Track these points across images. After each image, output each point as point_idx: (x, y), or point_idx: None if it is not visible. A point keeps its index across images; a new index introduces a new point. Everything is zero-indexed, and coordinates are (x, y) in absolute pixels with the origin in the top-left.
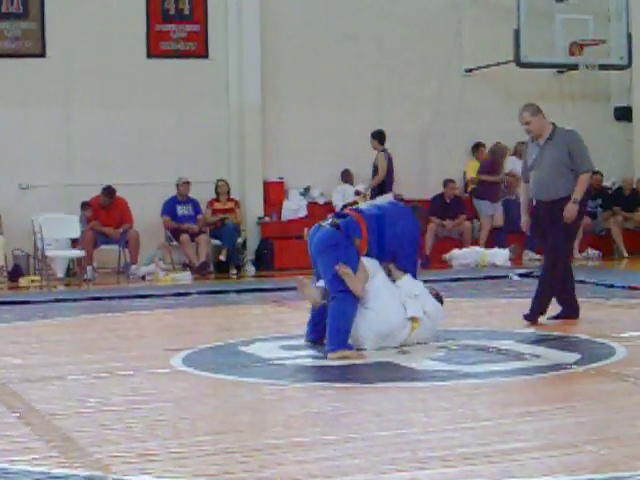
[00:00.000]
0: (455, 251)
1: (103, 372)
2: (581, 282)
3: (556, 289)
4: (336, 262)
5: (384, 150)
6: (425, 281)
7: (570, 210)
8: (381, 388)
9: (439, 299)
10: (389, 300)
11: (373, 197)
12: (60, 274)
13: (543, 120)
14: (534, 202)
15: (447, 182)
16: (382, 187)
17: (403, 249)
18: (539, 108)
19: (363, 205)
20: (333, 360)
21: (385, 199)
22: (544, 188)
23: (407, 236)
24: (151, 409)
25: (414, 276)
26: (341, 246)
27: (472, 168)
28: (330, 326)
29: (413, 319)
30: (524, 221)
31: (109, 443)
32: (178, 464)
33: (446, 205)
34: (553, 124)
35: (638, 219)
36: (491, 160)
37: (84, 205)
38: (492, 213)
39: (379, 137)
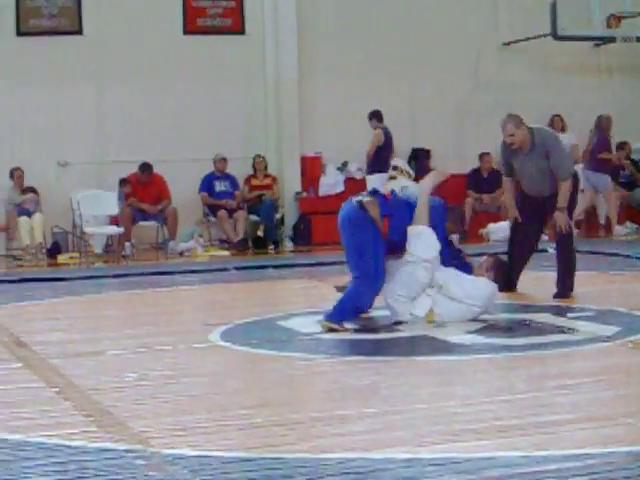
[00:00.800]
0: (491, 225)
1: (142, 347)
2: (618, 255)
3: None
4: (356, 244)
5: (383, 128)
6: None
7: (559, 218)
8: (418, 361)
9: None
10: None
11: (370, 173)
12: (98, 250)
13: (526, 131)
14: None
15: (483, 155)
16: (379, 165)
17: None
18: (522, 119)
19: (401, 191)
20: (323, 329)
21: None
22: (538, 188)
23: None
24: (189, 383)
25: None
26: (362, 228)
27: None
28: (340, 300)
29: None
30: (513, 215)
31: (147, 417)
32: (216, 437)
33: (482, 179)
34: (531, 133)
35: None
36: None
37: (122, 182)
38: None
39: (376, 116)
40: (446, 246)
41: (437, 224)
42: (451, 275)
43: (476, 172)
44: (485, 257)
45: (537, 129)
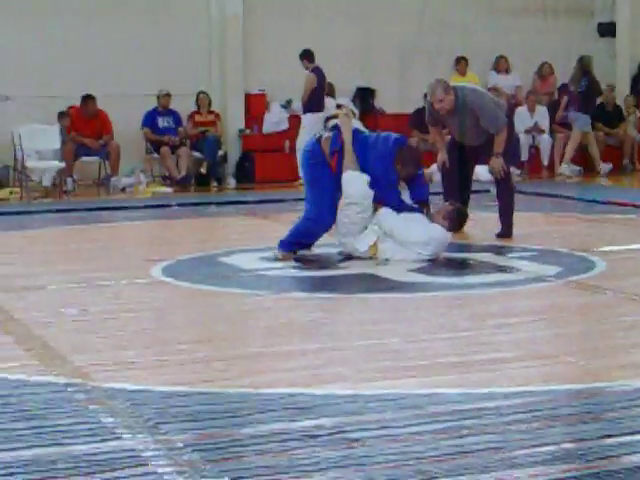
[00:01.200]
0: (434, 166)
1: (83, 282)
2: (561, 197)
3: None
4: (310, 179)
5: (315, 68)
6: None
7: (496, 164)
8: (361, 299)
9: (456, 220)
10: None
11: (304, 113)
12: (46, 183)
13: (452, 95)
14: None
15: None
16: (312, 105)
17: (378, 179)
18: (449, 84)
19: (359, 126)
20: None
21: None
22: (469, 140)
23: (381, 167)
24: (130, 318)
25: (396, 207)
26: (316, 164)
27: (454, 82)
28: (291, 231)
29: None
30: (442, 159)
31: (88, 351)
32: (157, 372)
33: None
34: (454, 92)
35: (620, 135)
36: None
37: (61, 115)
38: None
39: (307, 56)
40: (394, 188)
41: (388, 169)
42: (399, 220)
43: (420, 111)
44: (446, 204)
45: (460, 89)
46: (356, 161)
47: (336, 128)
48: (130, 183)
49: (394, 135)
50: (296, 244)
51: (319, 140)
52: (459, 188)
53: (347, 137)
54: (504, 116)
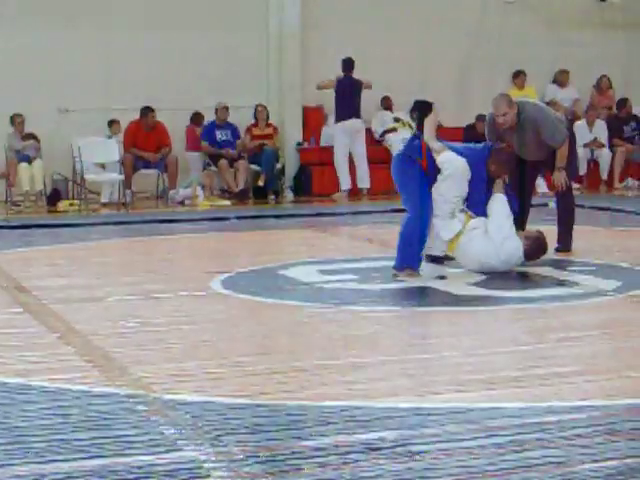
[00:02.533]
0: None
1: (143, 294)
2: (620, 211)
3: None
4: (404, 184)
5: (343, 77)
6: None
7: (558, 178)
8: (421, 312)
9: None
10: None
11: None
12: (105, 199)
13: (515, 110)
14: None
15: (479, 117)
16: (337, 115)
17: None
18: (512, 99)
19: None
20: (399, 278)
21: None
22: (532, 156)
23: (474, 168)
24: (190, 330)
25: (483, 213)
26: (406, 168)
27: (514, 96)
28: (399, 245)
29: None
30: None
31: (149, 363)
32: (217, 384)
33: (478, 135)
34: (518, 110)
35: None
36: None
37: (110, 124)
38: None
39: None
40: (484, 190)
41: (479, 168)
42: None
43: (471, 127)
44: (535, 230)
45: (521, 104)
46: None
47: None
48: (187, 195)
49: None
50: (408, 254)
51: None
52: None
53: (430, 133)
54: (565, 130)
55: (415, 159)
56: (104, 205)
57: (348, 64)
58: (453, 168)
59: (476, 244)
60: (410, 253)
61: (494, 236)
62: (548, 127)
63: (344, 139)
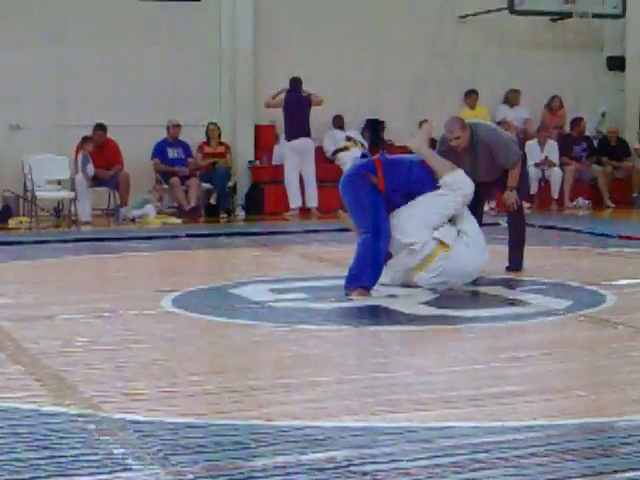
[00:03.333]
0: None
1: (92, 312)
2: (571, 230)
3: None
4: (358, 202)
5: (289, 92)
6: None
7: (509, 198)
8: (372, 331)
9: None
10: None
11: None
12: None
13: (468, 132)
14: None
15: (422, 123)
16: (286, 134)
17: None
18: (465, 121)
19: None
20: (352, 297)
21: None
22: (482, 177)
23: (426, 181)
24: (141, 349)
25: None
26: (359, 186)
27: (466, 116)
28: (354, 260)
29: (442, 243)
30: None
31: (98, 382)
32: (167, 403)
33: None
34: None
35: (626, 168)
36: None
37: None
38: None
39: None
40: None
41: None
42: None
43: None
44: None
45: (474, 126)
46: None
47: (365, 156)
48: (140, 214)
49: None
50: (360, 273)
51: (360, 167)
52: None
53: (421, 141)
54: (518, 150)
55: (367, 177)
56: (56, 224)
57: (296, 83)
58: (469, 189)
59: (464, 257)
60: (363, 272)
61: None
62: (501, 149)
63: (294, 158)
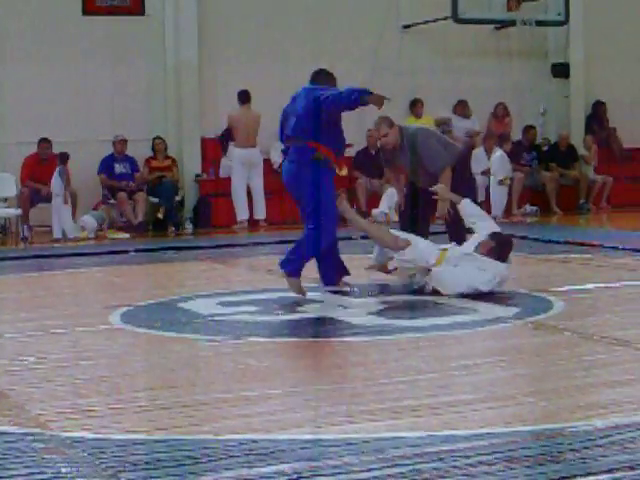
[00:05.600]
0: (374, 210)
1: (40, 330)
2: (520, 237)
3: None
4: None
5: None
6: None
7: (441, 208)
8: (320, 343)
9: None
10: None
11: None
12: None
13: (397, 130)
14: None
15: (368, 131)
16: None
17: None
18: (392, 120)
19: None
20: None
21: None
22: (419, 180)
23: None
24: (89, 366)
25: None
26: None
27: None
28: (292, 251)
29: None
30: (399, 201)
31: (45, 400)
32: (116, 420)
33: (372, 159)
34: (400, 129)
35: (574, 175)
36: None
37: (62, 156)
38: None
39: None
40: None
41: None
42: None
43: (362, 153)
44: (483, 240)
45: (405, 128)
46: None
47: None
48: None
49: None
50: (299, 261)
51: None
52: (414, 231)
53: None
54: (450, 157)
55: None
56: (3, 242)
57: (244, 96)
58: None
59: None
60: (289, 260)
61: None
62: (428, 151)
63: (242, 170)
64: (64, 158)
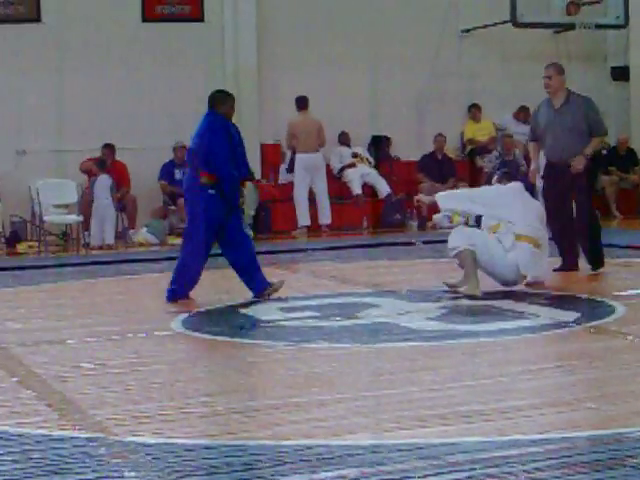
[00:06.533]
0: (435, 216)
1: (102, 336)
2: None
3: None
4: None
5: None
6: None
7: (578, 161)
8: (380, 348)
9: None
10: None
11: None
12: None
13: (563, 82)
14: (545, 162)
15: (437, 137)
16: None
17: None
18: (563, 70)
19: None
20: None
21: None
22: (559, 150)
23: None
24: (150, 371)
25: None
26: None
27: (470, 129)
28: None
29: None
30: (533, 169)
31: (109, 405)
32: (177, 425)
33: (438, 163)
34: (568, 90)
35: (633, 179)
36: None
37: (101, 163)
38: None
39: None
40: None
41: None
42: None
43: (427, 157)
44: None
45: (576, 93)
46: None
47: None
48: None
49: None
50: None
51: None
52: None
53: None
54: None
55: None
56: (65, 249)
57: (302, 102)
58: None
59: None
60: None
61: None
62: (596, 115)
63: (304, 175)
64: (103, 165)
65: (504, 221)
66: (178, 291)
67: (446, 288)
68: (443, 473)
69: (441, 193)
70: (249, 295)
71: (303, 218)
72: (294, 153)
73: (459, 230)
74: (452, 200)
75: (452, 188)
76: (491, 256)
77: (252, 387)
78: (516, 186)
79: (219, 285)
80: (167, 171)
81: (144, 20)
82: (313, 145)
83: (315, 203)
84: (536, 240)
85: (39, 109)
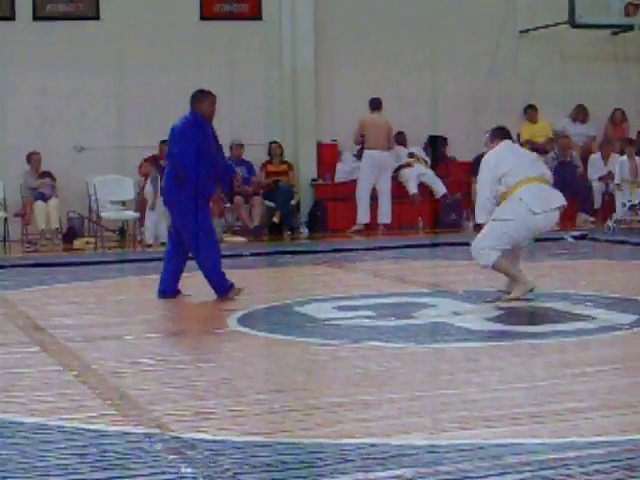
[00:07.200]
0: None
1: (159, 332)
2: (635, 244)
3: None
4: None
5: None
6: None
7: None
8: (437, 348)
9: None
10: None
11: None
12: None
13: None
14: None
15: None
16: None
17: None
18: None
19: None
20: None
21: None
22: None
23: None
24: (208, 368)
25: None
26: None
27: (527, 130)
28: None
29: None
30: None
31: (166, 401)
32: (235, 422)
33: None
34: None
35: None
36: None
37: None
38: None
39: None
40: None
41: None
42: None
43: (479, 159)
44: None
45: None
46: None
47: None
48: None
49: None
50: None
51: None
52: None
53: None
54: None
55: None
56: (122, 245)
57: (375, 103)
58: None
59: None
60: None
61: None
62: None
63: (370, 171)
64: (158, 162)
65: (514, 173)
66: (220, 289)
67: (502, 289)
68: (502, 474)
69: (476, 211)
70: (305, 294)
71: (363, 215)
72: (362, 148)
73: (474, 244)
74: (481, 212)
75: None
76: (522, 222)
77: (308, 385)
78: (507, 142)
79: (275, 283)
80: None
81: (202, 18)
82: (384, 143)
83: (376, 201)
84: (545, 179)
85: (97, 107)
